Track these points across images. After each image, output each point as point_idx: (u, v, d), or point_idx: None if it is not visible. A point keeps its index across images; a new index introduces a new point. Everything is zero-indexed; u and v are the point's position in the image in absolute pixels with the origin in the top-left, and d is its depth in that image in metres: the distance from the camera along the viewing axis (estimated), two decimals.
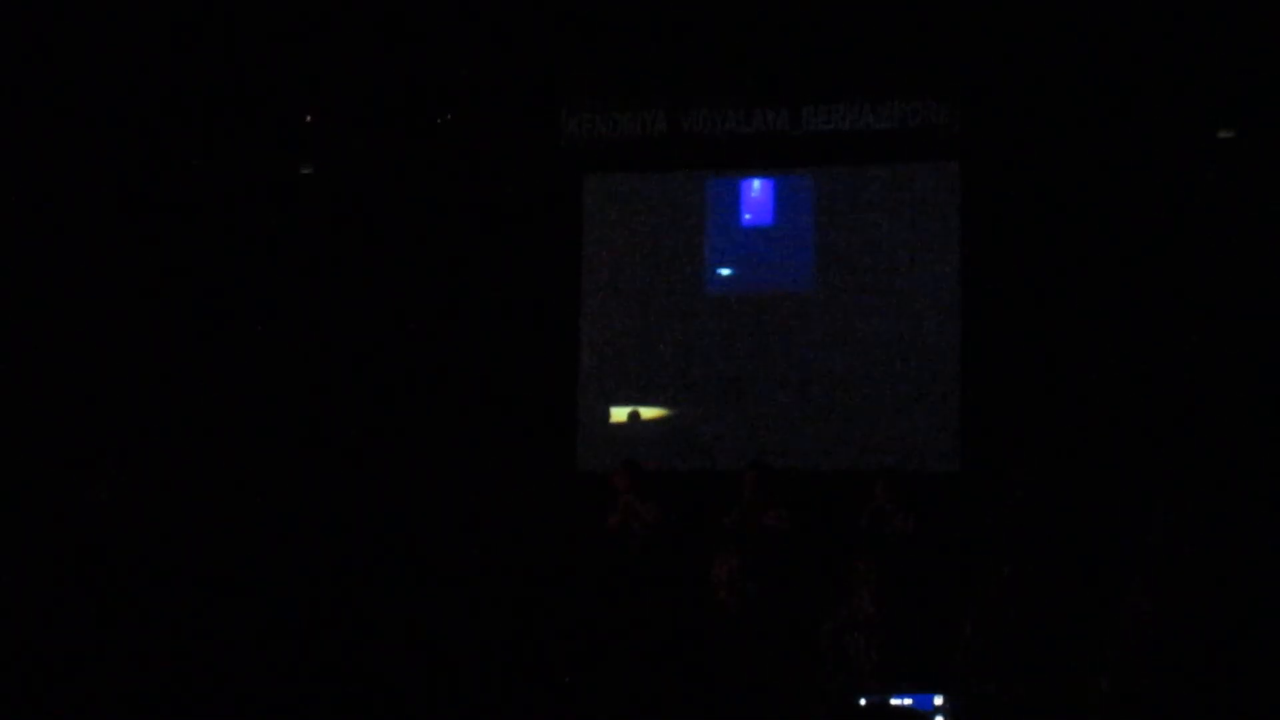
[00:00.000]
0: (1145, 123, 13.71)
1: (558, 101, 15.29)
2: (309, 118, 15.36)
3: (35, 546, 12.53)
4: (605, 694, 11.48)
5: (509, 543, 12.97)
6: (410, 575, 13.06)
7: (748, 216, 15.11)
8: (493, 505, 13.19)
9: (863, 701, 8.80)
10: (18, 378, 14.29)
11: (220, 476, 13.80)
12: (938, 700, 8.61)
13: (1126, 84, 13.74)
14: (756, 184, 15.11)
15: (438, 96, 15.31)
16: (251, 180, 15.26)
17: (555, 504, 13.56)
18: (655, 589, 12.50)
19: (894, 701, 8.71)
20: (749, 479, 12.91)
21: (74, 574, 12.22)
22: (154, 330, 14.94)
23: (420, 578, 13.06)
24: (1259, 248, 13.49)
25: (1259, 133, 13.62)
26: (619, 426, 15.04)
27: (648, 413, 15.02)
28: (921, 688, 9.44)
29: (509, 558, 12.92)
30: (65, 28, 14.50)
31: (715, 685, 12.01)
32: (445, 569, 12.91)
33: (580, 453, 15.05)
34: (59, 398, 14.43)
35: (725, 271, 15.10)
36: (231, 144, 15.11)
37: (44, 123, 14.61)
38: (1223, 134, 13.81)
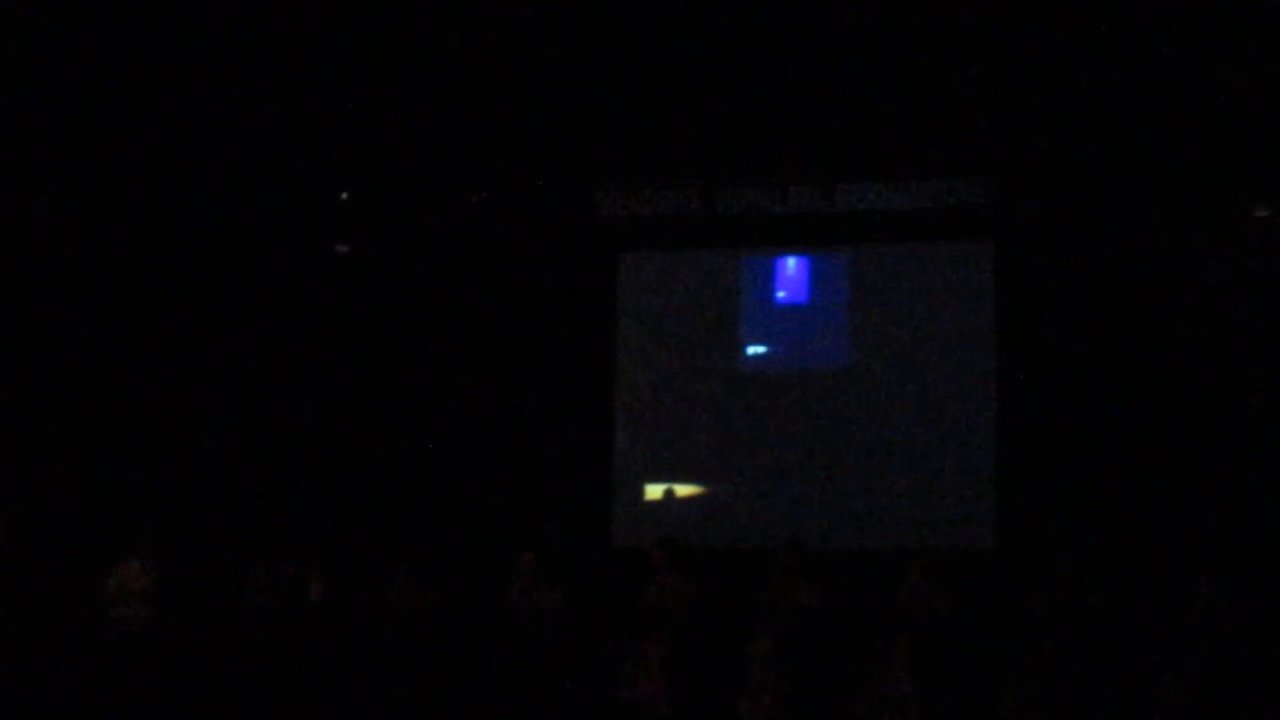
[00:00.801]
0: (1179, 201, 13.71)
1: (592, 181, 15.35)
2: (344, 195, 15.44)
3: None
4: None
5: (548, 620, 12.96)
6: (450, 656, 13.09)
7: (782, 294, 15.13)
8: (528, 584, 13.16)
9: None
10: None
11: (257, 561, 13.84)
12: None
13: (1159, 164, 13.74)
14: (791, 262, 15.14)
15: (473, 175, 15.39)
16: (287, 258, 15.33)
17: (592, 580, 13.54)
18: (690, 667, 12.47)
19: None
20: (783, 558, 12.88)
21: None
22: (193, 415, 15.00)
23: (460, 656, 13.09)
24: None
25: None
26: (654, 504, 15.01)
27: (682, 490, 15.00)
28: None
29: (549, 635, 12.92)
30: (92, 104, 14.63)
31: None
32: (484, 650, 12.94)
33: (616, 529, 15.01)
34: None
35: (760, 349, 15.10)
36: (268, 222, 15.19)
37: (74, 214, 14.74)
38: (1260, 212, 13.79)
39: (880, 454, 14.60)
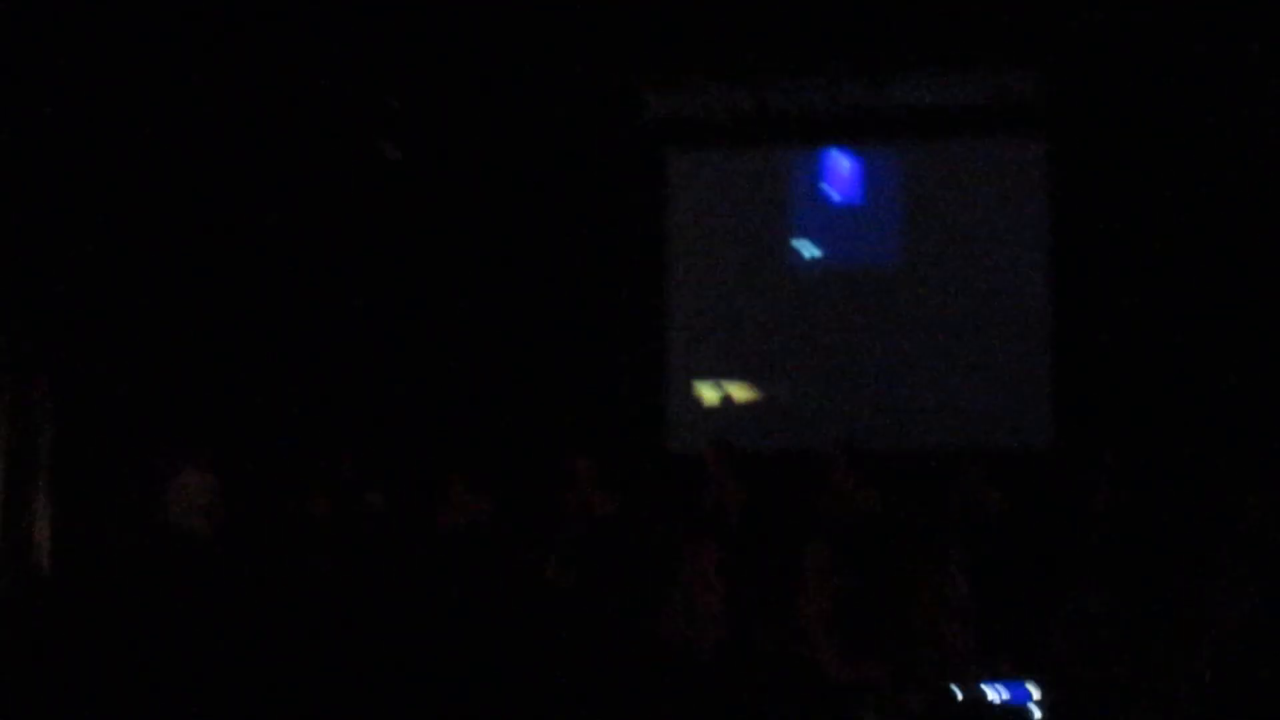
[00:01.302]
0: (1239, 96, 13.49)
1: (640, 79, 15.23)
2: (394, 101, 15.37)
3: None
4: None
5: (599, 526, 13.00)
6: (497, 558, 13.13)
7: (834, 192, 15.02)
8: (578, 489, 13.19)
9: (958, 693, 8.77)
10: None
11: (296, 455, 13.93)
12: (1033, 691, 8.56)
13: (1217, 57, 13.52)
14: (843, 160, 15.01)
15: (521, 74, 15.27)
16: (337, 163, 15.30)
17: (646, 484, 13.56)
18: (748, 569, 12.50)
19: (988, 690, 8.67)
20: (838, 461, 12.86)
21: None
22: (249, 325, 15.04)
23: (507, 560, 13.14)
24: None
25: None
26: (708, 406, 15.01)
27: (736, 392, 14.99)
28: (1016, 673, 9.40)
29: (601, 540, 12.96)
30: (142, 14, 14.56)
31: (804, 670, 12.00)
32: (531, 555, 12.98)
33: (670, 433, 15.03)
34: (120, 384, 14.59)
35: (811, 248, 15.02)
36: (319, 129, 15.14)
37: (128, 113, 14.70)
38: None
39: (934, 354, 14.55)
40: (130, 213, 14.42)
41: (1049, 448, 14.02)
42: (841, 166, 15.01)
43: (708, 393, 15.05)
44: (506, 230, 15.27)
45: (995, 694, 8.57)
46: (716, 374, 15.04)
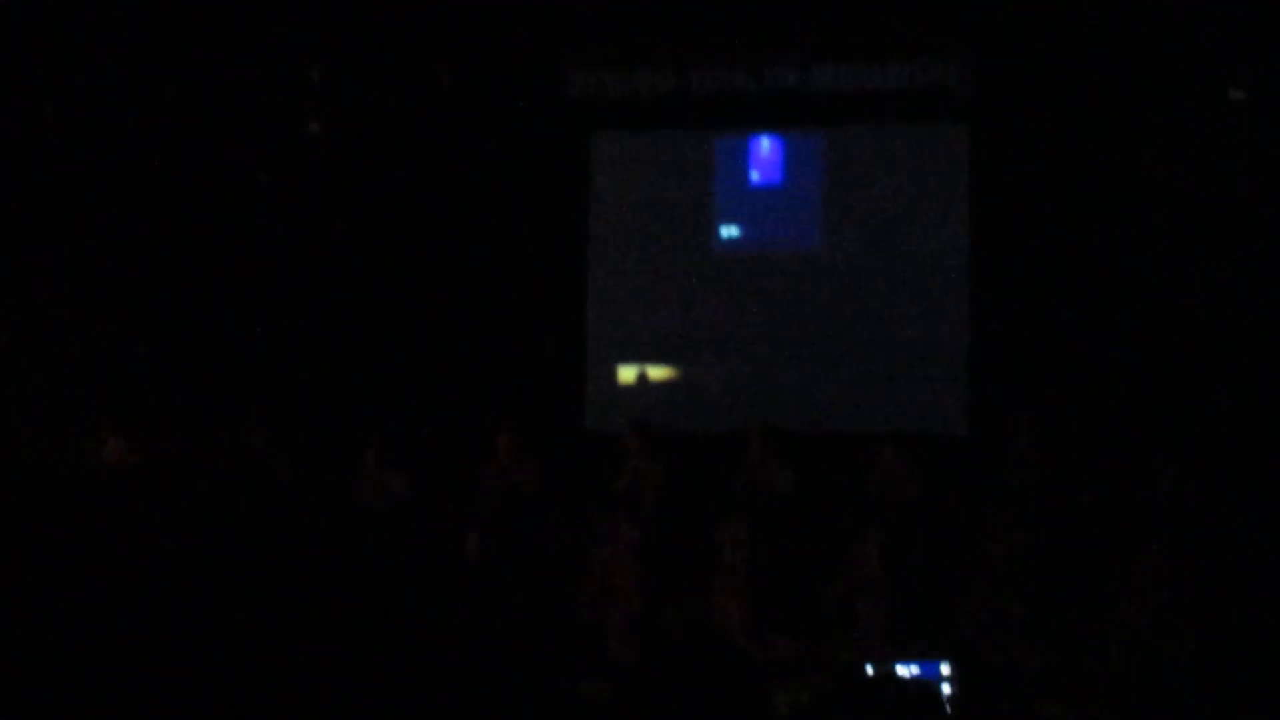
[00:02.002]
0: (1156, 83, 13.62)
1: (565, 59, 15.19)
2: (315, 75, 15.26)
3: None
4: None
5: (518, 504, 12.99)
6: (418, 541, 13.07)
7: (756, 175, 15.04)
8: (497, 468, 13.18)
9: (870, 670, 8.78)
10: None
11: (225, 447, 13.83)
12: (945, 669, 8.58)
13: (1137, 44, 13.64)
14: (765, 143, 15.03)
15: (444, 53, 15.21)
16: (257, 138, 15.19)
17: (564, 463, 13.56)
18: (663, 548, 12.53)
19: (900, 669, 8.69)
20: (755, 441, 12.89)
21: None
22: (157, 293, 14.93)
23: (429, 542, 13.09)
24: (1269, 209, 13.42)
25: (1271, 93, 13.52)
26: (627, 387, 15.01)
27: (655, 373, 14.99)
28: (928, 654, 9.44)
29: (519, 519, 12.96)
30: None
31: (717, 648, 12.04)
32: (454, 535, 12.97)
33: (588, 412, 15.02)
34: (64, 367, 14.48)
35: (733, 231, 15.04)
36: (237, 102, 15.03)
37: (48, 90, 14.58)
38: (1234, 94, 13.70)
39: (853, 337, 14.59)
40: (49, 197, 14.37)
41: (965, 433, 14.09)
42: (764, 149, 15.03)
43: (626, 372, 15.05)
44: (429, 208, 15.19)
45: (906, 671, 8.59)
46: (636, 354, 15.03)
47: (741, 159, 15.09)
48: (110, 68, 14.77)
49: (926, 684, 7.94)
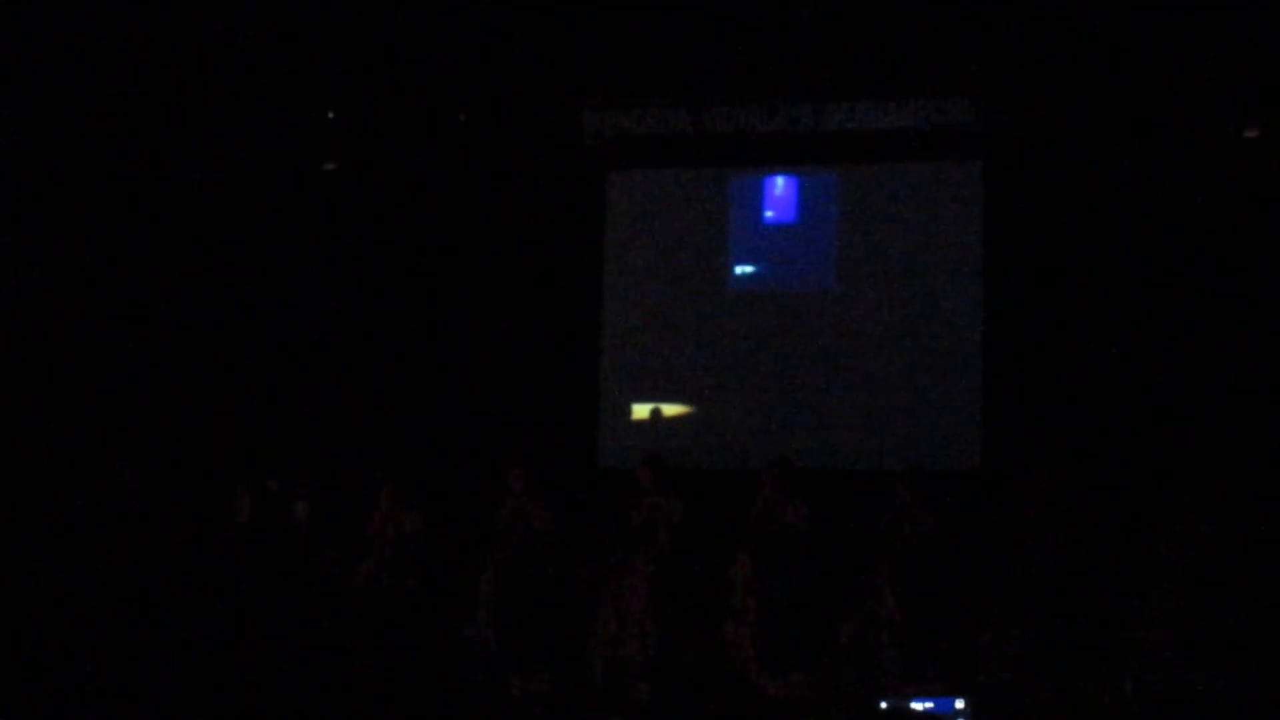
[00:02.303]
0: (1169, 121, 13.67)
1: (581, 99, 15.28)
2: (332, 114, 15.36)
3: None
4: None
5: (530, 538, 12.99)
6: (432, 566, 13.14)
7: (770, 214, 15.11)
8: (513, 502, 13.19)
9: (883, 705, 8.80)
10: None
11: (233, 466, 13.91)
12: (959, 705, 8.58)
13: (1150, 83, 13.70)
14: (780, 181, 15.10)
15: (461, 94, 15.31)
16: (275, 176, 15.28)
17: (578, 500, 13.57)
18: (678, 584, 12.52)
19: (915, 705, 8.70)
20: (769, 477, 12.90)
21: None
22: (174, 326, 15.01)
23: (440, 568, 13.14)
24: None
25: None
26: (641, 423, 15.04)
27: (669, 409, 15.03)
28: (943, 689, 9.43)
29: (531, 552, 12.96)
30: (92, 23, 14.56)
31: (731, 684, 12.03)
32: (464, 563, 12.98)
33: (602, 449, 15.05)
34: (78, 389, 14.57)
35: (747, 269, 15.09)
36: (256, 140, 15.13)
37: (69, 118, 14.68)
38: (1248, 133, 13.75)
39: (866, 374, 14.63)
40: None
41: (978, 468, 14.09)
42: (778, 188, 15.09)
43: (641, 409, 15.08)
44: (447, 247, 15.28)
45: (921, 707, 8.60)
46: (650, 391, 15.07)
47: (756, 198, 15.16)
48: (129, 108, 14.88)
49: (939, 717, 7.95)
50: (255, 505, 13.67)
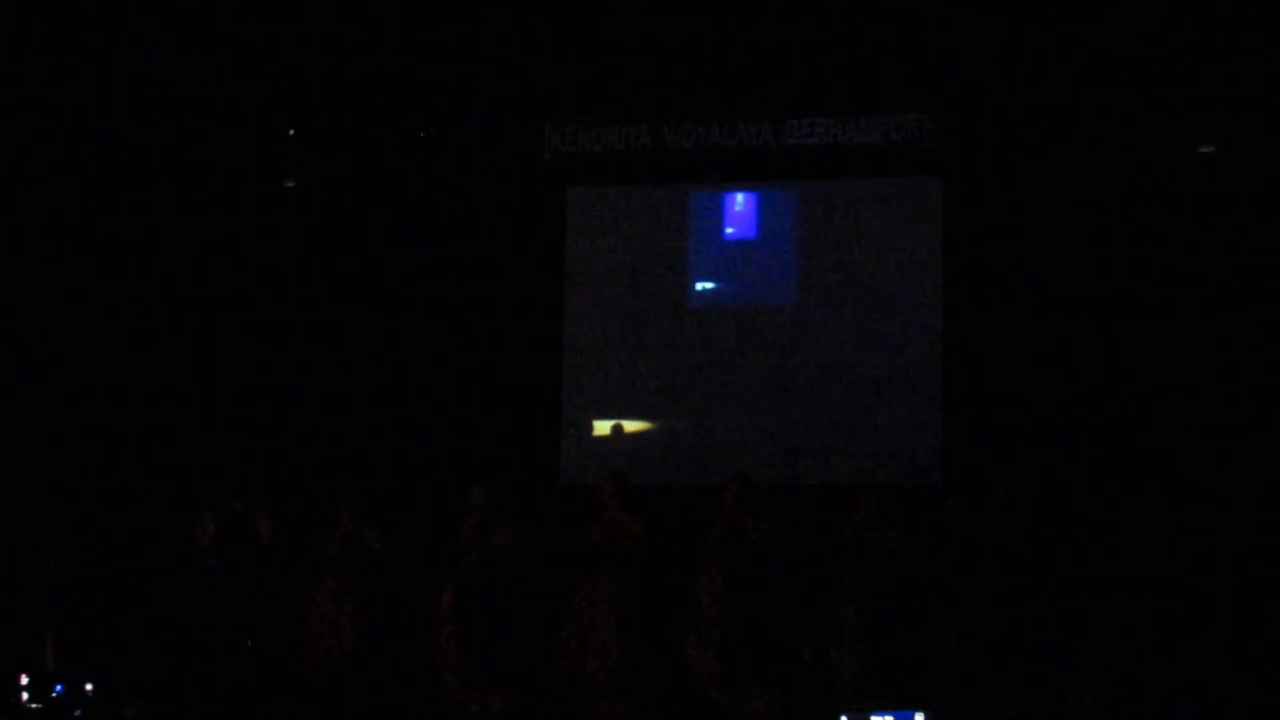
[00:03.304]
0: (1126, 138, 13.75)
1: (541, 115, 15.28)
2: (291, 131, 15.34)
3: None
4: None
5: (492, 557, 13.00)
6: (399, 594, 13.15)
7: (730, 230, 15.12)
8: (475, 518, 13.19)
9: (844, 719, 8.84)
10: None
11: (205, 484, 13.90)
12: (919, 718, 8.64)
13: (1107, 100, 13.78)
14: (740, 197, 15.12)
15: (421, 109, 15.30)
16: (235, 193, 15.25)
17: (539, 516, 13.57)
18: (640, 601, 12.55)
19: (875, 719, 8.74)
20: (730, 492, 12.93)
21: None
22: (137, 343, 14.98)
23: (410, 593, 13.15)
24: (1240, 262, 13.53)
25: (1239, 147, 13.66)
26: (602, 440, 15.04)
27: (631, 426, 15.03)
28: (904, 703, 9.48)
29: (492, 570, 12.97)
30: (54, 34, 14.54)
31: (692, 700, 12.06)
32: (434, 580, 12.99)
33: (564, 465, 15.05)
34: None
35: (708, 285, 15.11)
36: (214, 158, 15.10)
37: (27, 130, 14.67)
38: (1204, 149, 13.85)
39: (828, 389, 14.64)
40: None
41: (939, 483, 14.13)
42: (738, 204, 15.12)
43: (602, 425, 15.08)
44: (404, 263, 15.25)
45: None
46: (612, 407, 15.06)
47: (716, 213, 15.18)
48: (86, 128, 14.85)
49: None
50: (219, 523, 13.63)
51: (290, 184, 15.46)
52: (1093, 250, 13.84)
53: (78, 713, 8.38)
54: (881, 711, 8.83)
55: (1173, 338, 13.61)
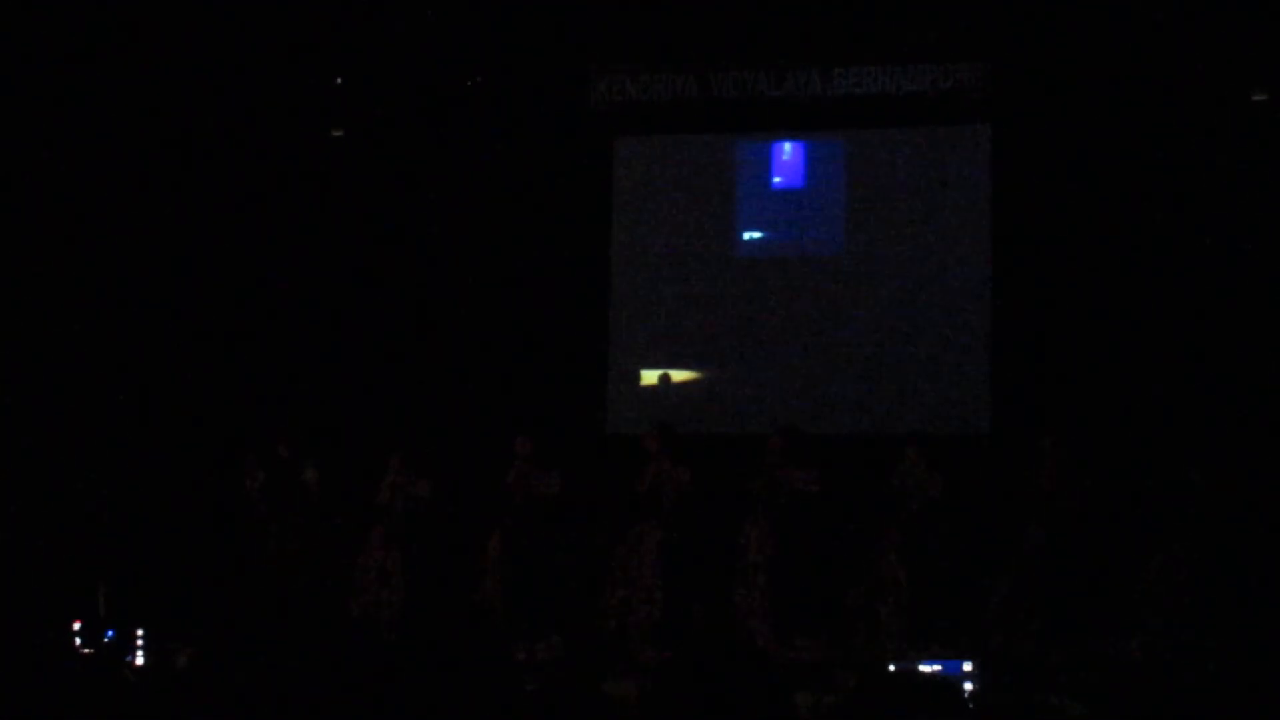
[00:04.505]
0: (1177, 84, 13.62)
1: (589, 65, 15.24)
2: (340, 81, 15.34)
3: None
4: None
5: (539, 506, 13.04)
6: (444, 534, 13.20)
7: (778, 179, 15.07)
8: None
9: (892, 668, 8.81)
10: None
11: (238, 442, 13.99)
12: (967, 666, 8.61)
13: (1159, 46, 13.65)
14: (787, 147, 15.06)
15: (470, 60, 15.27)
16: (284, 144, 15.26)
17: (586, 466, 13.59)
18: (687, 550, 12.57)
19: (923, 668, 8.72)
20: (776, 443, 12.92)
21: None
22: (187, 297, 15.03)
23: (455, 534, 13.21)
24: None
25: None
26: (649, 389, 15.03)
27: (678, 375, 15.01)
28: (950, 653, 9.46)
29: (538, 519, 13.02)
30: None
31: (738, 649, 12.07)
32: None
33: (610, 415, 15.05)
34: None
35: (755, 234, 15.07)
36: (264, 108, 15.11)
37: (81, 89, 14.69)
38: (1256, 96, 13.72)
39: (875, 339, 14.60)
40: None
41: (987, 433, 14.08)
42: (786, 153, 15.06)
43: (649, 375, 15.06)
44: (453, 213, 15.25)
45: (929, 670, 8.62)
46: (659, 357, 15.05)
47: (764, 163, 15.13)
48: (136, 79, 14.87)
49: (948, 681, 7.97)
50: (266, 472, 13.71)
51: (338, 134, 15.46)
52: (1142, 198, 13.73)
53: (129, 658, 8.45)
54: (930, 660, 8.80)
55: (1224, 283, 13.50)
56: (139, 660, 8.62)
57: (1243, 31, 13.46)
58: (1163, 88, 13.66)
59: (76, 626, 8.63)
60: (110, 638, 8.61)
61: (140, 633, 8.79)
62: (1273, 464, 12.38)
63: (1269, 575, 11.36)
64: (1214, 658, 10.22)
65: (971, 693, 7.71)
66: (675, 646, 12.14)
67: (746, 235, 15.09)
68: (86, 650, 8.27)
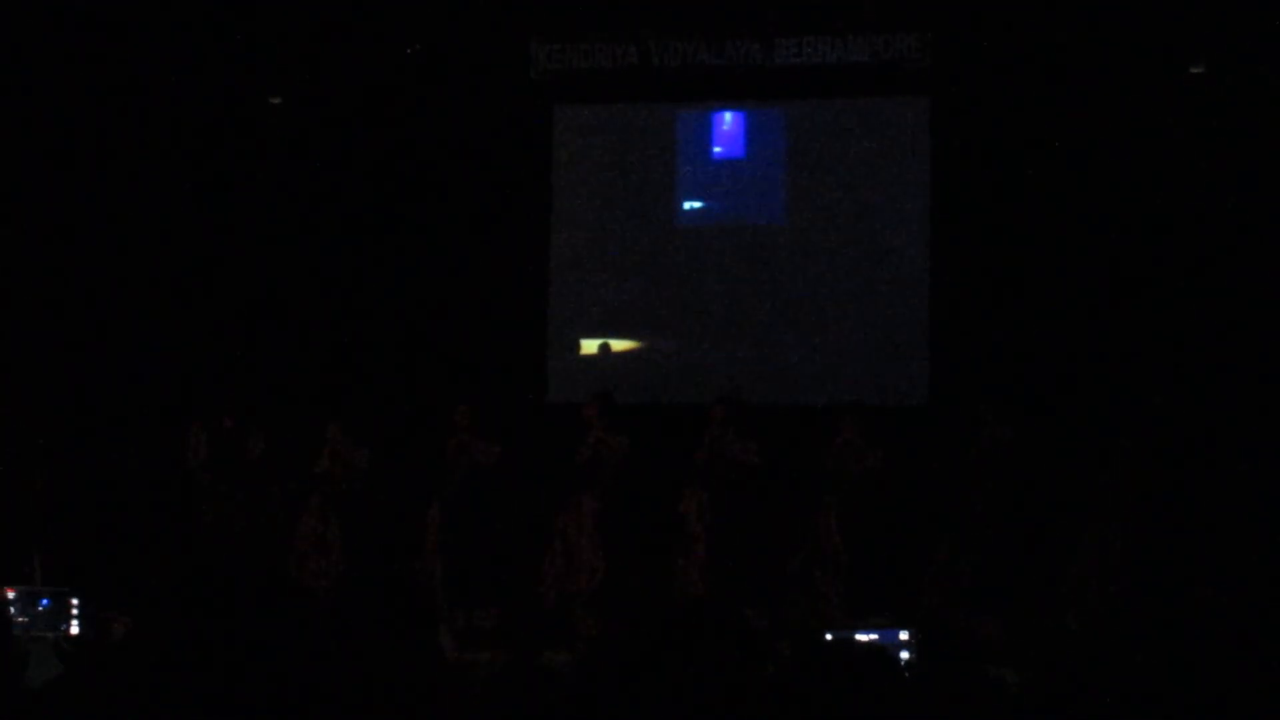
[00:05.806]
0: (1116, 58, 13.69)
1: (528, 32, 15.17)
2: (277, 49, 15.22)
3: None
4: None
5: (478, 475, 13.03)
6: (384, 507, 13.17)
7: (719, 149, 15.07)
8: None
9: (829, 637, 8.83)
10: None
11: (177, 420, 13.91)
12: (903, 635, 8.63)
13: (1098, 19, 13.70)
14: (728, 117, 15.06)
15: (409, 27, 15.18)
16: (220, 111, 15.14)
17: (525, 435, 13.58)
18: (626, 520, 12.59)
19: (860, 637, 8.74)
20: (717, 413, 12.94)
21: None
22: (130, 261, 14.91)
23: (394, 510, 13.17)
24: (1229, 183, 13.50)
25: (1230, 68, 13.61)
26: (589, 359, 15.02)
27: (618, 345, 15.01)
28: (888, 623, 9.50)
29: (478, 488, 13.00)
30: None
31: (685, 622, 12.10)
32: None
33: (550, 385, 15.04)
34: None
35: (696, 204, 15.07)
36: (200, 75, 14.98)
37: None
38: (1195, 69, 13.79)
39: (815, 310, 14.64)
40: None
41: (925, 405, 14.15)
42: (726, 123, 15.06)
43: (589, 345, 15.06)
44: (391, 182, 15.17)
45: (865, 639, 8.64)
46: (598, 327, 15.05)
47: (704, 133, 15.12)
48: (71, 45, 14.74)
49: (884, 650, 7.98)
50: (211, 442, 13.65)
51: (275, 100, 15.34)
52: (1080, 171, 13.80)
53: (63, 627, 8.38)
54: (867, 630, 8.82)
55: (1160, 258, 13.59)
56: (74, 630, 8.55)
57: (1181, 5, 13.52)
58: (1102, 61, 13.71)
59: (10, 595, 8.55)
60: (45, 606, 8.55)
61: (76, 602, 8.71)
62: (1213, 434, 12.47)
63: (1207, 547, 11.46)
64: (1152, 630, 10.30)
65: (908, 662, 7.73)
66: (615, 616, 12.18)
67: (687, 205, 15.09)
68: (20, 619, 8.20)
